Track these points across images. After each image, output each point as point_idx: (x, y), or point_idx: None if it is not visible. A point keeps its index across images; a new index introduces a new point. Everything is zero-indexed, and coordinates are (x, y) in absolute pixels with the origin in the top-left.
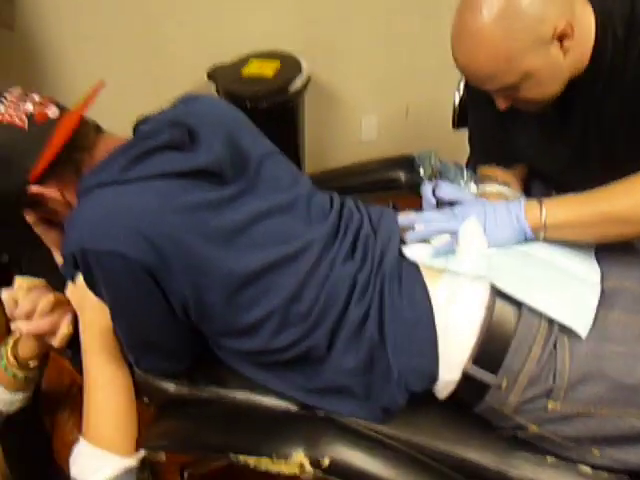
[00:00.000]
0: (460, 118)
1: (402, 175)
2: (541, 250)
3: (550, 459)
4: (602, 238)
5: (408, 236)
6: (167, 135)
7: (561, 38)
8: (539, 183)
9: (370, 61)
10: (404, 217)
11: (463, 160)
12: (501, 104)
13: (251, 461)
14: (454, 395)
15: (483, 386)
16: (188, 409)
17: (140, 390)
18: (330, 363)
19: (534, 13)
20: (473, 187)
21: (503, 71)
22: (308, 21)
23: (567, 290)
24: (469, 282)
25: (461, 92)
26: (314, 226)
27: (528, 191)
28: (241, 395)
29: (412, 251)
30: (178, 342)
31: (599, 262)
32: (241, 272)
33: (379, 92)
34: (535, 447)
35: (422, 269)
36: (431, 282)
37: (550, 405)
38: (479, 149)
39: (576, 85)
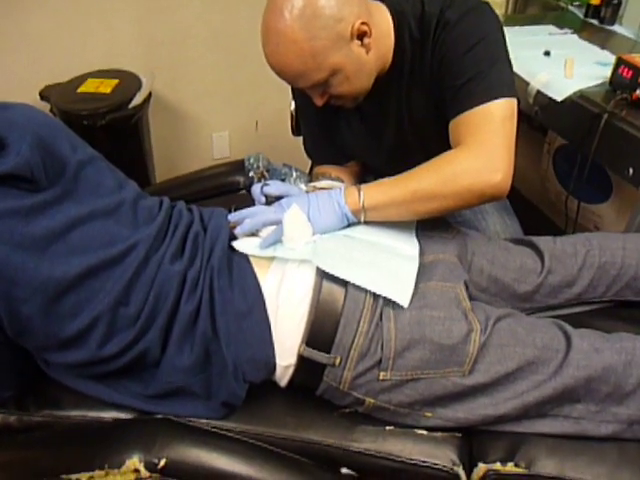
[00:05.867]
0: (297, 125)
1: (241, 179)
2: (363, 232)
3: (389, 428)
4: (416, 215)
5: (237, 230)
6: None
7: (360, 36)
8: (372, 178)
9: (216, 79)
10: (234, 214)
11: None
12: (318, 101)
13: (84, 479)
14: (296, 381)
15: (319, 366)
16: (17, 437)
17: None
18: (166, 365)
19: (331, 13)
20: (302, 185)
21: (311, 69)
22: (149, 40)
23: (388, 266)
24: (296, 267)
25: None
26: (140, 228)
27: None
28: (77, 414)
29: (241, 244)
30: None
31: (419, 239)
32: (59, 279)
33: (229, 109)
34: (375, 420)
35: (252, 260)
36: (260, 271)
37: (381, 375)
38: (312, 150)
39: (386, 80)
